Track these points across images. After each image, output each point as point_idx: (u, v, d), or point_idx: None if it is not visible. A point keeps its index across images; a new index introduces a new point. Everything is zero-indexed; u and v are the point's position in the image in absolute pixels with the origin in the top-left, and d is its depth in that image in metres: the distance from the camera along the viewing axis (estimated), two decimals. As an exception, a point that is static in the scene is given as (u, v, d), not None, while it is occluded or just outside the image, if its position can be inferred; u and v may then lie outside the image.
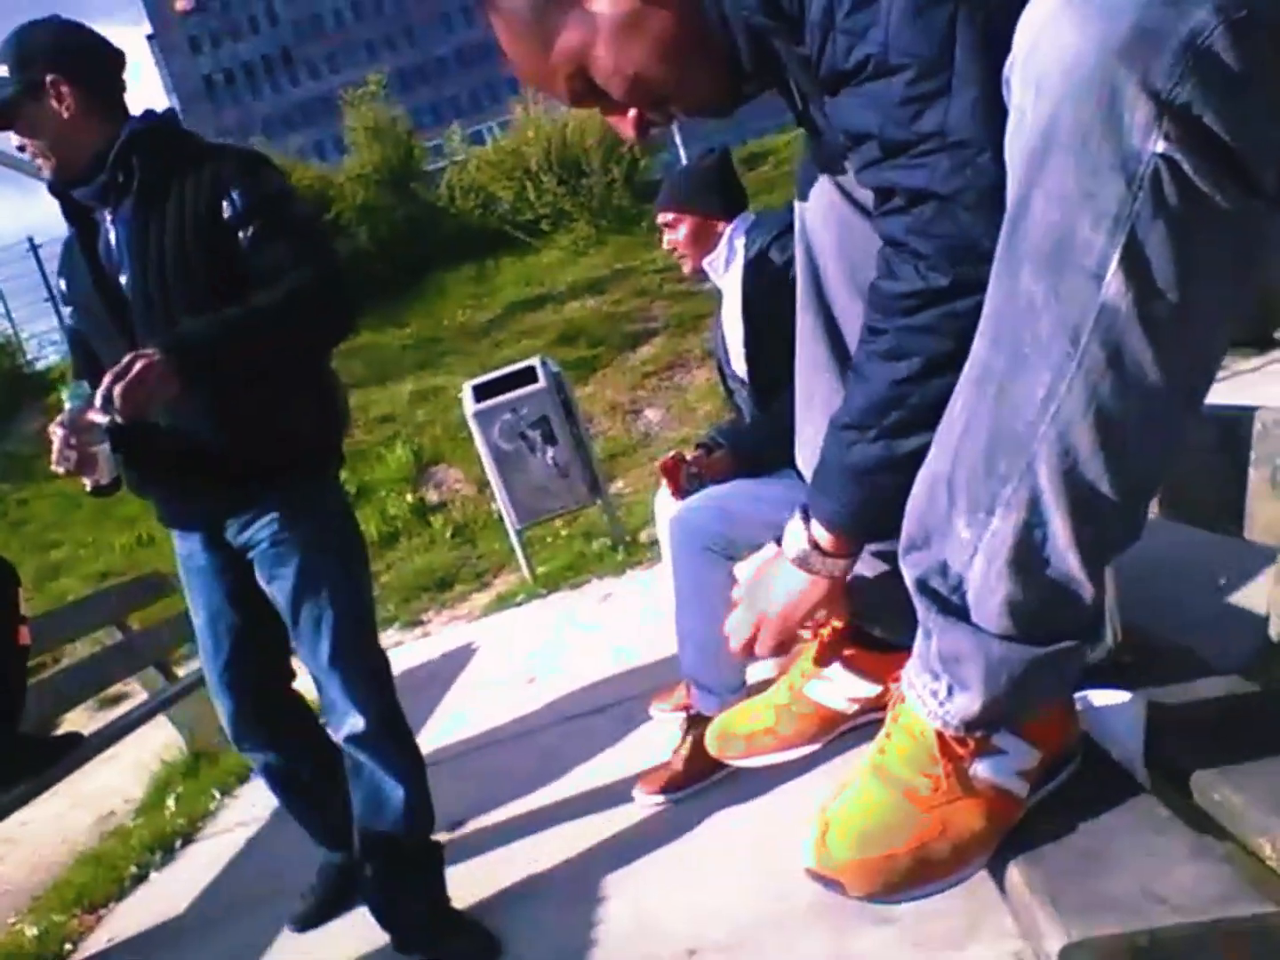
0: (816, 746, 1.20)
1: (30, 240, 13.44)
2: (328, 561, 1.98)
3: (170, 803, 3.49)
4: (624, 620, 4.01)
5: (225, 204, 1.86)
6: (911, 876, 0.87)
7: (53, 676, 3.64)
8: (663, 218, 2.67)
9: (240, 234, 1.85)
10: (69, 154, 1.91)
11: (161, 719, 3.88)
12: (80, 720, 4.10)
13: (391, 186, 11.32)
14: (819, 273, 1.20)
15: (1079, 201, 0.71)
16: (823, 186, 1.17)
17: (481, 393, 5.10)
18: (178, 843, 3.16)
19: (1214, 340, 0.77)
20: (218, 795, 3.49)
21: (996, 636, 0.84)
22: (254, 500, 1.96)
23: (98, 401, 1.67)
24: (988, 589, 0.83)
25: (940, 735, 0.88)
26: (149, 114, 2.00)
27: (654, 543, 5.11)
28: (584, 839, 2.27)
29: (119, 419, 1.68)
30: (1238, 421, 1.13)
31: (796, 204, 1.23)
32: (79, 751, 2.88)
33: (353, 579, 2.03)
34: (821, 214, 1.19)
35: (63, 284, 2.05)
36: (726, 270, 2.61)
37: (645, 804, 2.32)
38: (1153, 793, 0.91)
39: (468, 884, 2.24)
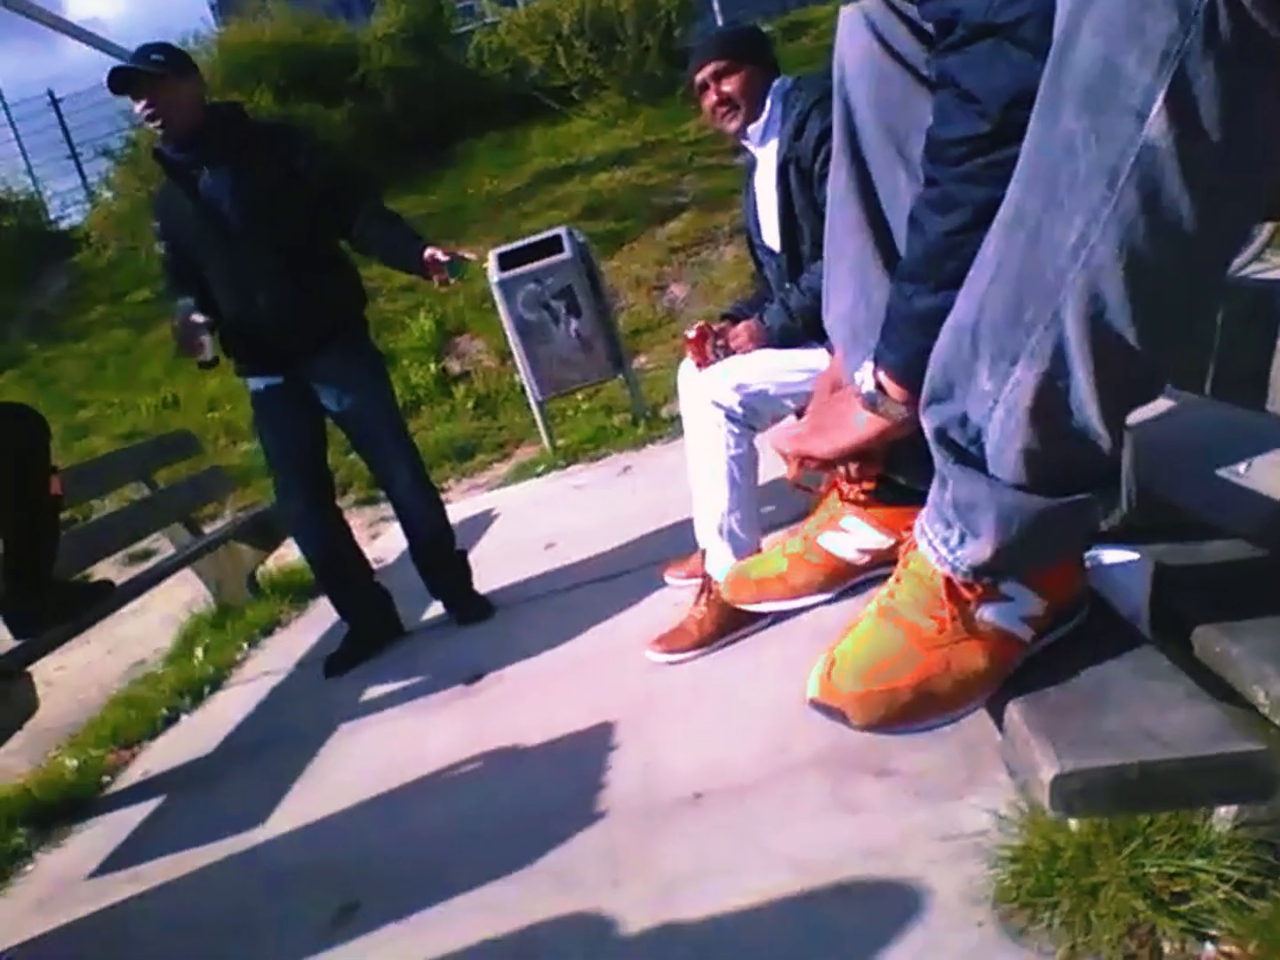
0: (826, 597, 1.23)
1: (50, 93, 13.19)
2: (375, 388, 3.09)
3: (198, 652, 3.61)
4: (643, 491, 4.05)
5: (297, 158, 2.89)
6: (912, 709, 0.90)
7: (82, 528, 3.74)
8: (714, 67, 2.51)
9: (312, 174, 2.89)
10: (180, 124, 2.81)
11: (188, 574, 3.99)
12: (109, 573, 4.21)
13: (418, 47, 10.96)
14: (855, 128, 1.18)
15: (1127, 35, 0.69)
16: (864, 36, 1.14)
17: (506, 261, 5.05)
18: (206, 689, 3.29)
19: (1250, 194, 0.75)
20: (244, 646, 3.61)
21: (1011, 486, 0.85)
22: (321, 347, 2.97)
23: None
24: (1006, 439, 0.84)
25: (948, 580, 0.90)
26: (223, 104, 3.04)
27: (675, 418, 5.12)
28: (596, 693, 2.35)
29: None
30: (1269, 293, 1.12)
31: (836, 51, 1.20)
32: (110, 599, 2.98)
33: (391, 397, 3.17)
34: (859, 63, 1.16)
35: (158, 224, 3.00)
36: (764, 137, 2.54)
37: (657, 662, 2.39)
38: (1155, 645, 0.93)
39: (484, 728, 2.33)
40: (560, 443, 5.34)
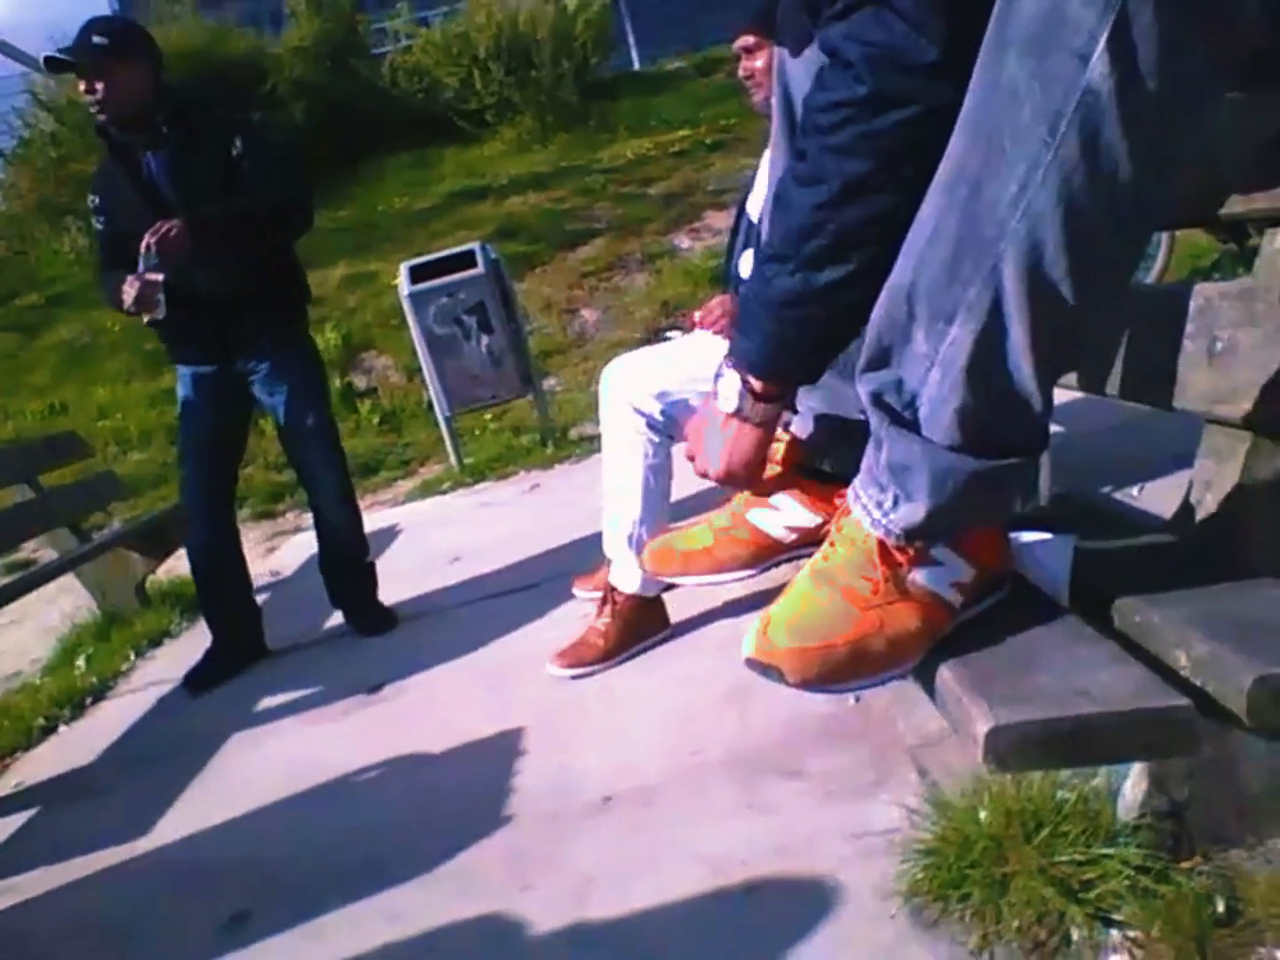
0: (750, 573, 1.23)
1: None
2: (311, 381, 3.05)
3: (80, 662, 3.43)
4: (551, 507, 4.02)
5: (233, 147, 2.78)
6: (848, 667, 0.90)
7: (-42, 528, 3.54)
8: (743, 42, 2.55)
9: (243, 164, 2.78)
10: (122, 109, 2.73)
11: (71, 585, 3.82)
12: (-14, 580, 4.00)
13: (331, 62, 10.83)
14: (793, 112, 1.19)
15: None
16: (799, 23, 1.16)
17: (418, 274, 4.99)
18: (88, 699, 3.13)
19: (1184, 142, 0.77)
20: (131, 656, 3.45)
21: (945, 448, 0.86)
22: (255, 340, 2.92)
23: (142, 250, 2.61)
24: (941, 401, 0.85)
25: (882, 544, 0.91)
26: (178, 85, 3.00)
27: (584, 439, 5.11)
28: (502, 701, 2.31)
29: (157, 263, 2.61)
30: (1177, 295, 1.17)
31: (777, 45, 1.21)
32: (-12, 600, 2.83)
33: (325, 395, 3.14)
34: (798, 51, 1.18)
35: (97, 199, 2.93)
36: None
37: (559, 677, 2.35)
38: (1077, 617, 0.95)
39: (386, 736, 2.27)
40: (467, 460, 5.27)
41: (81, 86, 2.71)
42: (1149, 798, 1.23)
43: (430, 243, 7.66)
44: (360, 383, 6.89)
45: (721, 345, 2.46)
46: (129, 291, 2.64)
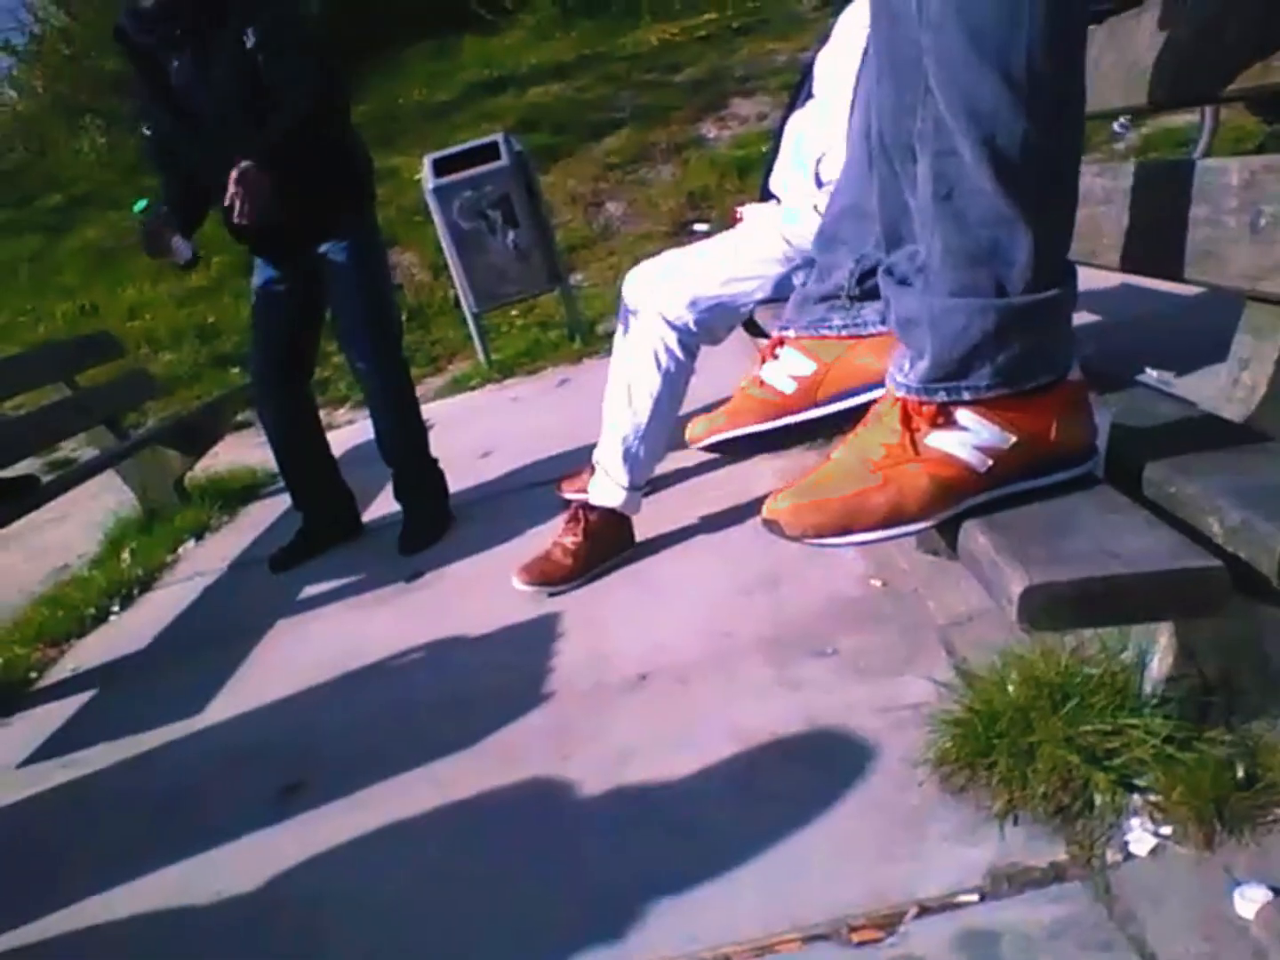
0: (762, 427, 1.28)
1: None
2: (368, 281, 2.93)
3: (125, 555, 3.52)
4: (579, 402, 4.03)
5: (245, 38, 2.62)
6: (840, 520, 0.93)
7: None
8: None
9: (259, 57, 2.62)
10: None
11: (111, 482, 3.89)
12: (29, 477, 4.08)
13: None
14: None
15: None
16: None
17: (441, 168, 4.91)
18: (135, 589, 3.23)
19: None
20: (174, 549, 3.54)
21: (943, 294, 0.87)
22: (324, 230, 2.85)
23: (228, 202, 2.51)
24: (932, 246, 0.86)
25: (904, 405, 0.92)
26: None
27: (610, 335, 5.07)
28: (537, 589, 2.35)
29: (246, 221, 2.54)
30: (1216, 170, 1.15)
31: None
32: (34, 494, 2.90)
33: (383, 297, 3.03)
34: None
35: (136, 103, 2.91)
36: None
37: (523, 592, 2.30)
38: (1111, 487, 0.97)
39: (426, 620, 2.34)
40: (495, 357, 5.27)
41: None
42: (1175, 670, 1.26)
43: (451, 136, 7.52)
44: (386, 280, 6.87)
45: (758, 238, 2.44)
46: (142, 240, 2.69)
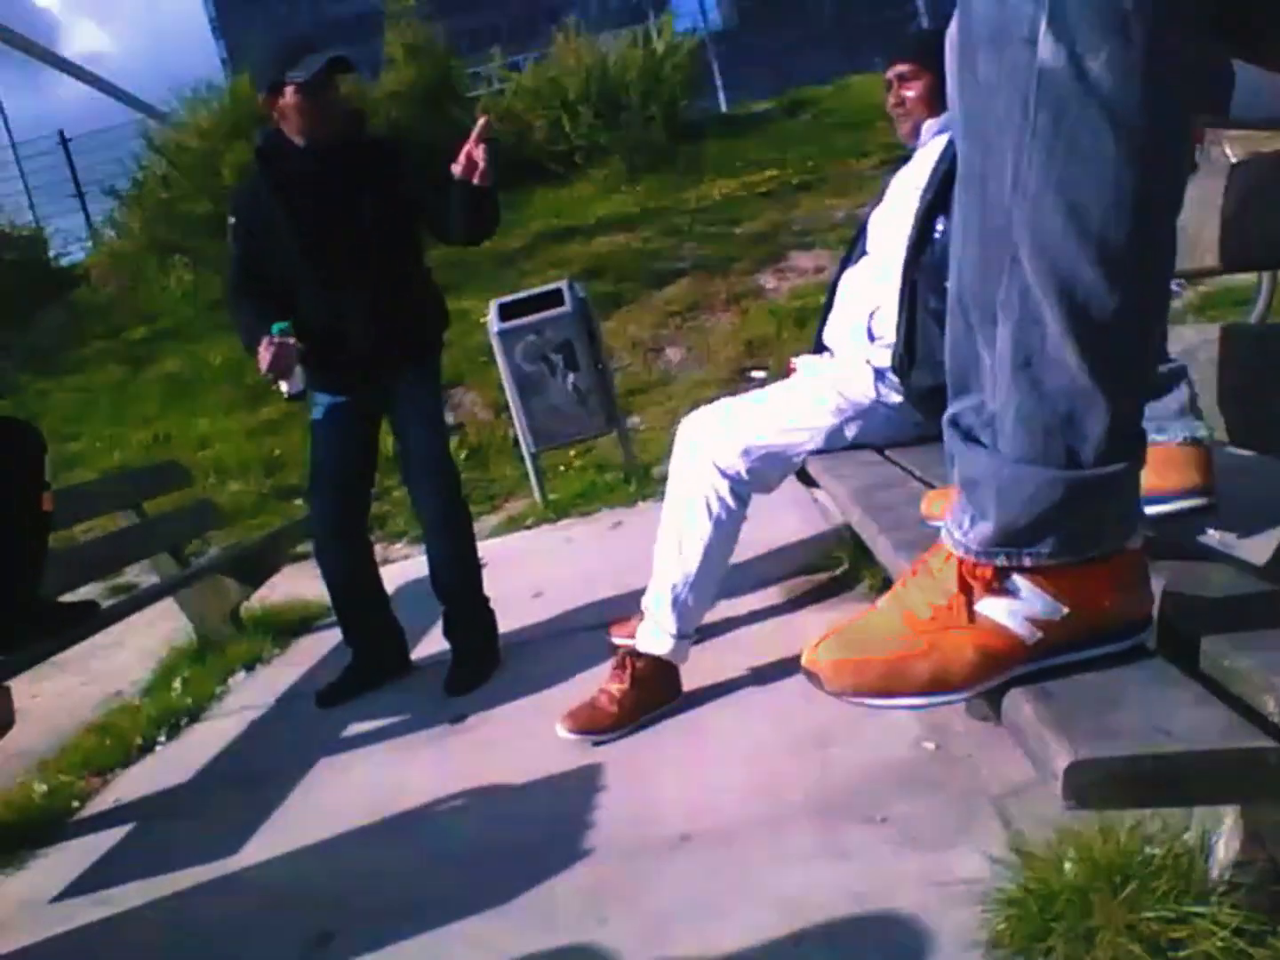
0: None
1: (61, 134, 13.34)
2: (438, 411, 3.12)
3: (177, 684, 3.54)
4: (633, 545, 4.04)
5: (402, 179, 2.87)
6: (881, 683, 0.91)
7: (67, 550, 3.69)
8: (898, 70, 2.54)
9: (420, 193, 2.85)
10: (326, 133, 2.80)
11: (169, 610, 3.95)
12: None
13: (426, 107, 11.17)
14: None
15: None
16: None
17: (506, 312, 5.10)
18: (184, 720, 3.23)
19: (1159, 99, 0.77)
20: (225, 681, 3.56)
21: (1013, 459, 0.86)
22: (396, 370, 2.95)
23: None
24: (1004, 408, 0.86)
25: (960, 566, 0.91)
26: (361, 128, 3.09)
27: (666, 478, 5.12)
28: (583, 737, 2.32)
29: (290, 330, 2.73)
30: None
31: None
32: (93, 620, 2.94)
33: (446, 433, 3.18)
34: None
35: (233, 220, 2.95)
36: (936, 133, 2.52)
37: (565, 739, 2.27)
38: (1162, 658, 0.94)
39: (468, 767, 2.31)
40: (552, 497, 5.34)
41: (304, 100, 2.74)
42: (1243, 855, 1.20)
43: (519, 281, 7.83)
44: (449, 418, 7.04)
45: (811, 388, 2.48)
46: (264, 356, 2.71)
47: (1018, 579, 0.90)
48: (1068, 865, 1.32)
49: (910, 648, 0.91)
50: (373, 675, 3.09)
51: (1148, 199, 0.79)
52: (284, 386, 2.78)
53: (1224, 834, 1.22)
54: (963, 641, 0.90)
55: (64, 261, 12.34)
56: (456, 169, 2.63)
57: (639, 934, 1.55)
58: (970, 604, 0.91)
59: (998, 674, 0.92)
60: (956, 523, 0.92)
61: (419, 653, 3.28)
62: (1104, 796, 0.81)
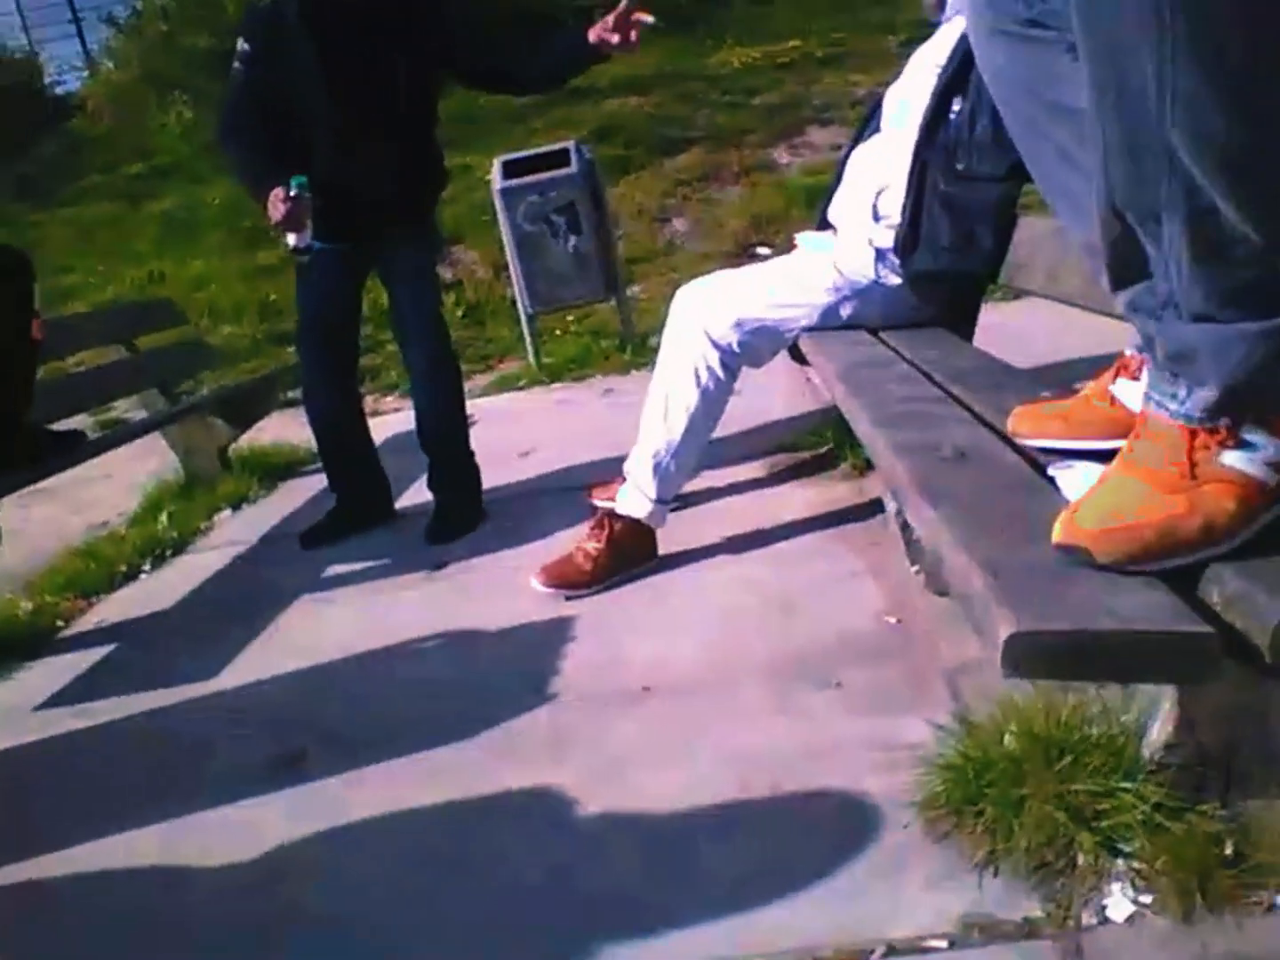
0: (1098, 445, 1.21)
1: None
2: (431, 264, 3.13)
3: (163, 518, 3.59)
4: (623, 412, 4.05)
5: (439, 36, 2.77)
6: (1156, 547, 0.92)
7: (56, 380, 3.69)
8: None
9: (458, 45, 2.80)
10: None
11: (158, 446, 3.97)
12: (81, 433, 4.18)
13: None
14: None
15: None
16: None
17: (510, 170, 4.98)
18: (169, 551, 3.29)
19: None
20: (210, 517, 3.61)
21: (1217, 323, 0.88)
22: (394, 222, 2.89)
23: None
24: (1191, 287, 0.87)
25: (1186, 431, 0.93)
26: None
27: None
28: (556, 591, 2.37)
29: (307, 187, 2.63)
30: None
31: None
32: (80, 449, 2.97)
33: (439, 285, 3.24)
34: None
35: (247, 47, 2.75)
36: (953, 14, 2.42)
37: (539, 592, 2.32)
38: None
39: (444, 611, 2.37)
40: (546, 360, 5.32)
41: None
42: (1174, 739, 1.25)
43: (527, 139, 7.62)
44: (447, 275, 6.94)
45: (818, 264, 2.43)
46: (277, 207, 2.63)
47: (1252, 430, 0.93)
48: (1007, 737, 1.37)
49: (1174, 508, 0.92)
50: (356, 520, 3.13)
51: None
52: (291, 240, 2.70)
53: (1159, 718, 1.26)
54: (1220, 494, 0.92)
55: (59, 90, 11.96)
56: (597, 33, 2.58)
57: (594, 775, 1.62)
58: (1211, 460, 0.93)
59: (1254, 521, 0.94)
60: (1169, 396, 0.94)
61: (404, 502, 3.31)
62: (1041, 668, 0.84)
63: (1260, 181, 0.81)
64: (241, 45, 2.78)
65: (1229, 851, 1.16)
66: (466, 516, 3.03)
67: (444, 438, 3.07)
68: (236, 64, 2.79)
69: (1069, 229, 1.31)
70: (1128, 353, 1.22)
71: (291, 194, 2.61)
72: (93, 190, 9.37)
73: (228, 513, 3.66)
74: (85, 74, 12.26)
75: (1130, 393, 1.19)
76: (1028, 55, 1.15)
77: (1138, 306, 0.95)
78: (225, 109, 2.88)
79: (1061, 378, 2.78)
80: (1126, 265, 0.92)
